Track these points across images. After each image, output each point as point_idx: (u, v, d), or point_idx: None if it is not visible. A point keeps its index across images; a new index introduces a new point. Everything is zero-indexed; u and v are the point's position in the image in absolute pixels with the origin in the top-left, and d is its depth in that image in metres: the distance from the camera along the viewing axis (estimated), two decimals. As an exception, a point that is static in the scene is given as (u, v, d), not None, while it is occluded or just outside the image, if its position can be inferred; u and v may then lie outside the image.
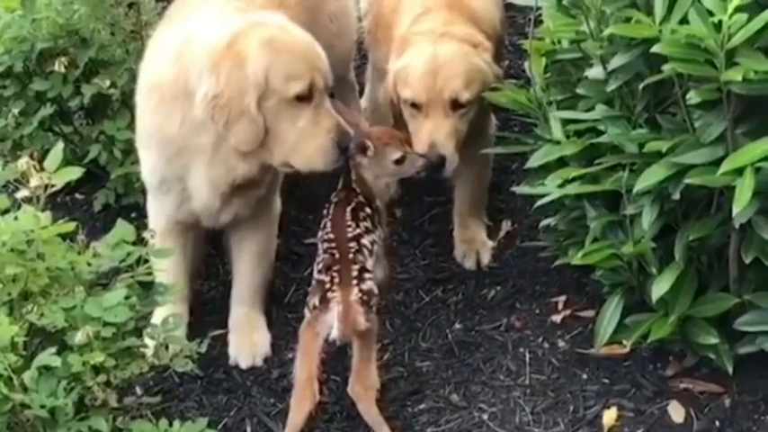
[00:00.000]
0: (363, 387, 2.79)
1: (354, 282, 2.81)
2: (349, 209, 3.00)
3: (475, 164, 3.32)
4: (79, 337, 2.46)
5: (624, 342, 2.90)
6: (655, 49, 2.38)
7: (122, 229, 2.76)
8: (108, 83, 3.45)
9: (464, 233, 3.41)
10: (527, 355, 3.08)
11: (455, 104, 3.07)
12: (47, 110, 3.50)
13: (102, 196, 3.63)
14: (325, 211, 3.05)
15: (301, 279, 3.38)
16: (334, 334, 2.75)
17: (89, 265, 2.63)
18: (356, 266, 2.84)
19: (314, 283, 2.90)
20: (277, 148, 2.86)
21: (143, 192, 3.56)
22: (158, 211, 3.17)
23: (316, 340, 2.80)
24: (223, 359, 3.18)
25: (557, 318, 3.18)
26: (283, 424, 2.94)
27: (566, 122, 2.87)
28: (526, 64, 3.10)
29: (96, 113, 3.58)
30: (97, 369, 2.51)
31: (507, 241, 3.46)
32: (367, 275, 2.84)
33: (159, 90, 2.93)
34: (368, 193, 3.04)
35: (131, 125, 3.48)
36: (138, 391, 2.99)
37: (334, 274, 2.83)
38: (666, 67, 2.39)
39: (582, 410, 2.91)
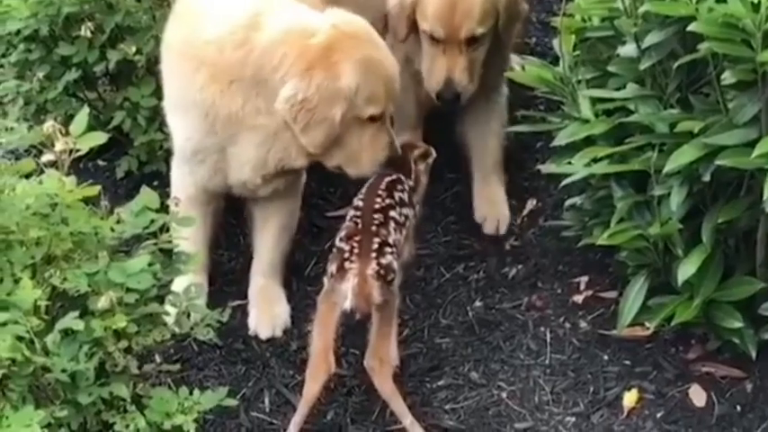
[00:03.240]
0: (379, 361, 2.77)
1: (373, 255, 2.77)
2: (387, 179, 2.98)
3: (491, 117, 3.40)
4: (102, 303, 2.45)
5: (647, 324, 2.88)
6: (691, 27, 2.35)
7: (146, 195, 2.74)
8: (134, 49, 3.43)
9: (484, 190, 3.43)
10: (548, 335, 3.07)
11: (471, 41, 3.16)
12: (71, 74, 3.49)
13: (124, 163, 3.62)
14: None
15: (321, 252, 3.37)
16: (348, 305, 2.73)
17: (112, 230, 2.62)
18: (377, 239, 2.81)
19: (335, 249, 2.88)
20: (337, 154, 2.96)
21: (166, 160, 3.56)
22: (186, 180, 3.16)
23: (333, 311, 2.78)
24: (242, 329, 3.17)
25: (578, 298, 3.16)
26: (301, 394, 2.93)
27: (594, 101, 2.84)
28: (554, 42, 3.06)
29: (121, 80, 3.57)
30: (119, 335, 2.50)
31: (530, 220, 3.43)
32: (388, 249, 2.80)
33: (215, 68, 2.90)
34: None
35: (156, 92, 3.47)
36: (158, 358, 2.97)
37: (355, 244, 2.80)
38: (702, 47, 2.36)
39: (602, 392, 2.90)
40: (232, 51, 2.86)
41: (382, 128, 2.96)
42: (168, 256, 2.75)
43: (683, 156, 2.48)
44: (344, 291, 2.75)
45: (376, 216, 2.86)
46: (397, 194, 2.94)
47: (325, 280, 2.85)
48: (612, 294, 3.13)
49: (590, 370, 2.95)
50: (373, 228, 2.84)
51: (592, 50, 2.95)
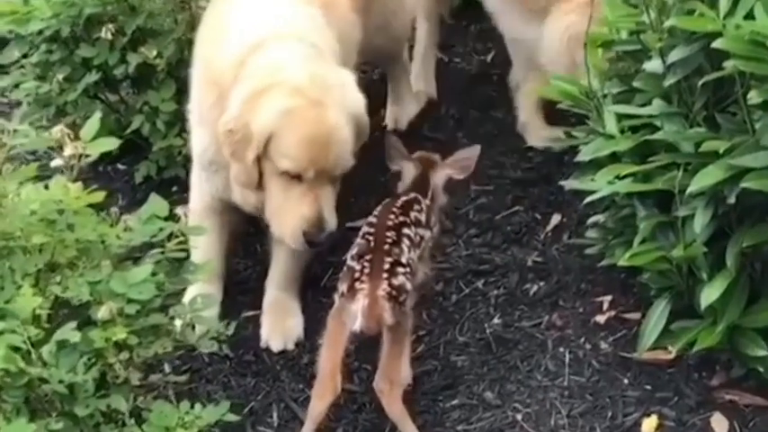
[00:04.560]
0: (389, 383, 2.70)
1: (385, 275, 2.70)
2: (403, 199, 2.91)
3: None
4: (102, 313, 2.40)
5: (669, 348, 2.77)
6: (716, 44, 2.25)
7: (155, 203, 2.70)
8: (154, 52, 3.39)
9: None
10: (567, 356, 2.97)
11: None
12: (91, 77, 3.45)
13: (143, 168, 3.57)
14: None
15: (338, 263, 3.26)
16: (357, 327, 2.66)
17: (119, 238, 2.57)
18: (389, 258, 2.73)
19: (345, 268, 2.80)
20: (267, 203, 2.88)
21: (185, 165, 3.51)
22: (203, 187, 3.13)
23: (342, 330, 2.71)
24: (254, 340, 3.11)
25: (601, 318, 3.05)
26: (310, 412, 2.87)
27: (620, 117, 2.74)
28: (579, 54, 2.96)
29: (141, 83, 3.52)
30: (120, 346, 2.45)
31: (554, 235, 3.34)
32: (400, 269, 2.73)
33: (221, 89, 2.88)
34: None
35: (176, 97, 3.43)
36: (167, 368, 2.93)
37: (366, 264, 2.73)
38: (728, 64, 2.26)
39: (620, 417, 2.79)
40: (230, 74, 2.84)
41: (309, 193, 2.82)
42: (177, 266, 2.69)
43: (708, 177, 2.38)
44: (354, 311, 2.67)
45: (389, 234, 2.78)
46: (413, 214, 2.87)
47: (336, 298, 2.77)
48: (636, 316, 3.02)
49: (609, 393, 2.85)
50: (386, 246, 2.76)
51: (619, 64, 2.85)
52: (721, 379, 2.82)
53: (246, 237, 3.39)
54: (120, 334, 2.38)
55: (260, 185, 2.86)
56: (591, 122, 2.88)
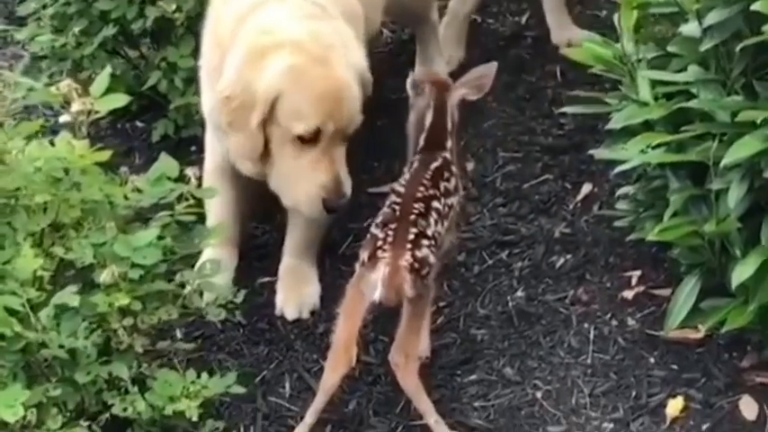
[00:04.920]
0: (405, 357, 2.58)
1: (409, 245, 2.57)
2: (434, 165, 2.77)
3: None
4: (104, 277, 2.31)
5: (699, 327, 2.64)
6: (756, 6, 2.11)
7: (165, 163, 2.60)
8: (173, 6, 3.28)
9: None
10: (591, 332, 2.85)
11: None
12: (109, 30, 3.35)
13: (160, 126, 3.47)
14: (407, 167, 2.83)
15: (359, 230, 3.17)
16: (376, 296, 2.54)
17: (126, 199, 2.47)
18: (415, 229, 2.60)
19: (368, 236, 2.68)
20: (273, 173, 2.76)
21: (203, 124, 3.40)
22: (215, 148, 3.03)
23: (361, 300, 2.59)
24: (269, 308, 3.01)
25: (628, 294, 2.93)
26: (323, 383, 2.78)
27: (655, 83, 2.60)
28: (615, 17, 2.82)
29: (160, 38, 3.41)
30: (124, 311, 2.36)
31: (584, 206, 3.20)
32: (425, 242, 2.59)
33: (224, 51, 2.78)
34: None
35: (195, 53, 3.32)
36: (178, 334, 2.84)
37: (390, 232, 2.59)
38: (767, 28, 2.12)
39: (645, 397, 2.67)
40: (230, 36, 2.73)
41: (324, 157, 2.70)
42: (188, 229, 2.60)
43: (744, 148, 2.24)
44: (374, 280, 2.55)
45: (416, 206, 2.64)
46: (442, 184, 2.73)
47: (357, 266, 2.65)
48: (666, 292, 2.88)
49: (634, 373, 2.73)
50: (411, 217, 2.62)
51: (654, 28, 2.70)
52: (752, 360, 2.69)
53: (264, 201, 3.29)
54: (122, 299, 2.28)
55: (264, 156, 2.73)
56: (624, 88, 2.74)
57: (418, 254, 2.56)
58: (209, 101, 2.90)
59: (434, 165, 2.76)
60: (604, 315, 2.89)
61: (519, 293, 2.98)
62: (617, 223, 2.95)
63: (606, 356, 2.79)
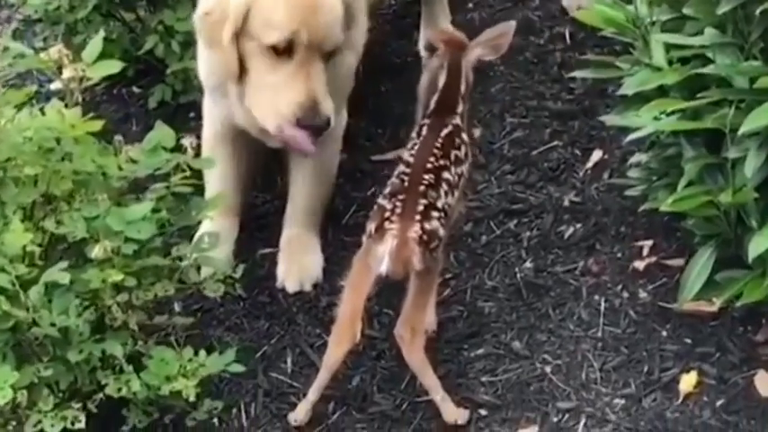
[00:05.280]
0: (411, 331, 2.50)
1: (418, 217, 2.47)
2: (444, 133, 2.66)
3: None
4: (96, 252, 2.22)
5: (714, 300, 2.56)
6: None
7: (161, 132, 2.51)
8: (171, -32, 3.18)
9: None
10: (602, 304, 2.76)
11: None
12: (102, -9, 3.25)
13: (158, 92, 3.37)
14: (415, 132, 2.71)
15: (363, 199, 3.10)
16: (383, 269, 2.44)
17: (120, 170, 2.38)
18: (424, 201, 2.50)
19: (376, 207, 2.57)
20: (248, 91, 2.62)
21: (202, 90, 3.30)
22: (212, 114, 2.93)
23: (367, 274, 2.49)
24: (270, 280, 2.93)
25: (640, 264, 2.84)
26: (326, 358, 2.70)
27: (669, 47, 2.50)
28: (628, -24, 2.72)
29: (157, 1, 3.31)
30: (118, 287, 2.28)
31: (594, 173, 3.10)
32: (435, 214, 2.49)
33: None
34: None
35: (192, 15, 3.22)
36: (176, 308, 2.76)
37: (398, 203, 2.49)
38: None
39: (657, 372, 2.59)
40: None
41: (300, 72, 2.55)
42: (184, 200, 2.51)
43: (763, 116, 2.14)
44: (381, 253, 2.45)
45: (426, 177, 2.53)
46: (453, 152, 2.63)
47: (363, 238, 2.55)
48: (679, 262, 2.79)
49: (646, 347, 2.65)
50: (421, 188, 2.52)
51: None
52: (767, 334, 2.60)
53: (265, 169, 3.20)
54: (115, 275, 2.20)
55: (242, 76, 2.60)
56: (637, 52, 2.63)
57: (427, 226, 2.47)
58: (205, 62, 2.80)
59: (445, 132, 2.65)
60: (615, 287, 2.80)
61: (527, 264, 2.89)
62: (628, 192, 2.85)
63: (617, 330, 2.70)
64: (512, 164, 3.17)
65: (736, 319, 2.63)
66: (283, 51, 2.54)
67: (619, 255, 2.88)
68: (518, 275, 2.86)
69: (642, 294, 2.77)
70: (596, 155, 3.15)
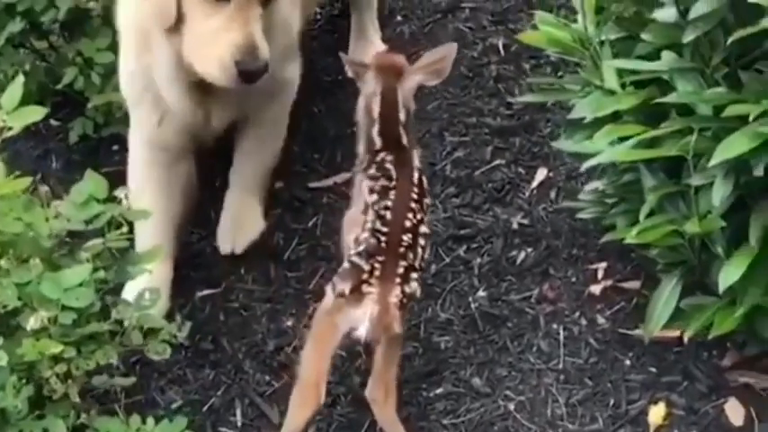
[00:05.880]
0: (384, 391, 2.38)
1: (398, 280, 2.33)
2: (415, 178, 2.50)
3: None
4: (31, 324, 2.05)
5: (682, 332, 2.47)
6: (754, -1, 1.91)
7: (92, 182, 2.34)
8: (88, -5, 2.99)
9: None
10: (561, 333, 2.67)
11: None
12: (15, 25, 3.04)
13: (78, 126, 3.17)
14: (366, 169, 2.53)
15: (304, 231, 2.97)
16: (362, 334, 2.29)
17: (48, 221, 2.21)
18: (404, 263, 2.35)
19: (348, 264, 2.38)
20: (186, 41, 2.50)
21: (126, 121, 3.13)
22: (140, 137, 2.80)
23: (334, 333, 2.33)
24: (212, 324, 2.78)
25: (596, 289, 2.75)
26: (279, 405, 2.56)
27: (622, 70, 2.40)
28: (572, -5, 2.62)
29: (74, 30, 3.11)
30: (56, 358, 2.11)
31: (540, 193, 3.01)
32: (413, 275, 2.36)
33: None
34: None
35: (114, 46, 3.04)
36: (114, 361, 2.58)
37: (377, 266, 2.33)
38: (766, 22, 1.92)
39: (624, 405, 2.51)
40: None
41: (237, 17, 2.44)
42: (120, 254, 2.35)
43: (733, 147, 2.05)
44: (359, 317, 2.30)
45: (406, 237, 2.38)
46: (424, 201, 2.50)
47: (328, 292, 2.38)
48: (635, 285, 2.73)
49: (610, 378, 2.57)
50: (401, 249, 2.36)
51: (615, 7, 2.50)
52: (733, 358, 2.54)
53: (199, 203, 3.04)
54: (53, 347, 2.03)
55: (178, 25, 2.48)
56: (585, 73, 2.53)
57: (407, 289, 2.34)
58: (126, 66, 2.70)
59: (415, 177, 2.51)
60: (573, 314, 2.72)
61: (481, 293, 2.79)
62: (581, 215, 2.76)
63: (579, 360, 2.62)
64: (456, 186, 3.06)
65: (700, 344, 2.56)
66: None
67: (573, 279, 2.79)
68: (472, 306, 2.76)
69: (601, 320, 2.69)
70: (541, 173, 3.06)
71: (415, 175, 2.51)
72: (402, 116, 2.60)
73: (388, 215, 2.40)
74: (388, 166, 2.50)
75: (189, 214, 2.89)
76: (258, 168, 2.90)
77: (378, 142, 2.55)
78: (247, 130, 2.86)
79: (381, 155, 2.52)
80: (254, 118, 2.85)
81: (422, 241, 2.41)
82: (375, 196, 2.45)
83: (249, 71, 2.46)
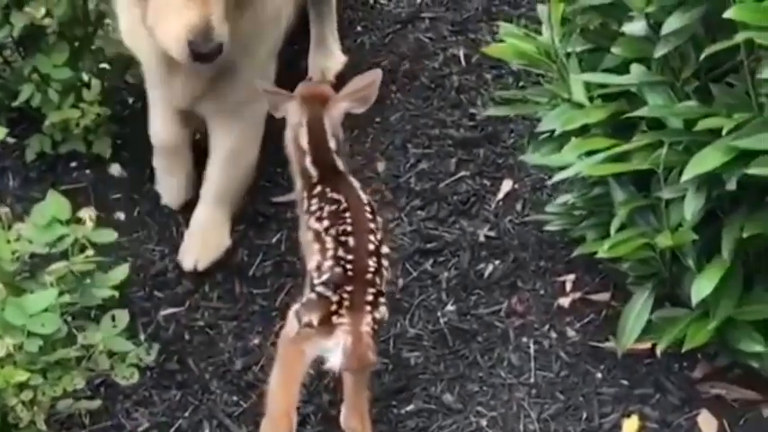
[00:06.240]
0: (360, 419, 2.36)
1: (368, 308, 2.29)
2: (367, 204, 2.46)
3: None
4: (-3, 352, 2.00)
5: (654, 343, 2.47)
6: (728, 15, 1.90)
7: (54, 203, 2.28)
8: (43, 11, 2.91)
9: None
10: (531, 347, 2.66)
11: None
12: (-31, 42, 2.99)
13: (35, 143, 3.10)
14: (314, 200, 2.49)
15: (269, 247, 2.92)
16: (335, 365, 2.25)
17: (13, 253, 2.16)
18: (372, 290, 2.31)
19: (313, 295, 2.31)
20: (150, 8, 2.52)
21: (85, 138, 3.11)
22: (161, 117, 2.90)
23: (302, 361, 2.29)
24: (178, 343, 2.72)
25: (565, 301, 2.74)
26: (247, 426, 2.53)
27: (590, 83, 2.39)
28: (539, 8, 2.60)
29: (29, 47, 3.05)
30: (22, 384, 2.06)
31: (506, 205, 2.99)
32: (381, 300, 2.32)
33: None
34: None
35: (70, 62, 2.99)
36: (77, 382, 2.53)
37: (345, 296, 2.29)
38: (740, 37, 1.92)
39: (597, 418, 2.50)
40: None
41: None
42: (84, 276, 2.30)
43: (706, 161, 2.05)
44: (331, 348, 2.26)
45: (371, 263, 2.33)
46: (378, 220, 2.46)
47: (293, 320, 2.32)
48: (604, 297, 2.72)
49: (582, 391, 2.56)
50: (368, 276, 2.32)
51: (580, 19, 2.49)
52: (705, 370, 2.54)
53: (162, 219, 3.00)
54: (18, 376, 1.98)
55: None
56: (552, 86, 2.53)
57: (377, 315, 2.30)
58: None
59: (363, 198, 2.48)
60: (542, 327, 2.70)
61: (449, 308, 2.77)
62: (549, 227, 2.75)
63: (550, 374, 2.60)
64: (420, 198, 3.04)
65: (671, 355, 2.55)
66: None
67: (542, 292, 2.78)
68: (441, 321, 2.74)
69: (571, 333, 2.68)
70: (506, 184, 3.05)
71: (362, 195, 2.48)
72: (333, 144, 2.57)
73: (350, 241, 2.35)
74: (330, 194, 2.46)
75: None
76: (230, 183, 2.88)
77: (314, 173, 2.52)
78: (217, 148, 2.85)
79: (318, 188, 2.49)
80: (225, 128, 2.84)
81: (385, 263, 2.38)
82: (326, 222, 2.41)
83: (201, 53, 2.46)
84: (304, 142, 2.56)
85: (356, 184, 2.54)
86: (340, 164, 2.56)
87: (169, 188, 3.00)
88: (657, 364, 2.56)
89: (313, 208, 2.46)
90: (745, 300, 2.31)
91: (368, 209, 2.45)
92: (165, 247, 2.95)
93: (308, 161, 2.54)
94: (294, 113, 2.59)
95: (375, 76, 2.59)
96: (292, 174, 2.64)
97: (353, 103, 2.58)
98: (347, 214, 2.40)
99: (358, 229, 2.38)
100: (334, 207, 2.42)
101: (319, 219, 2.42)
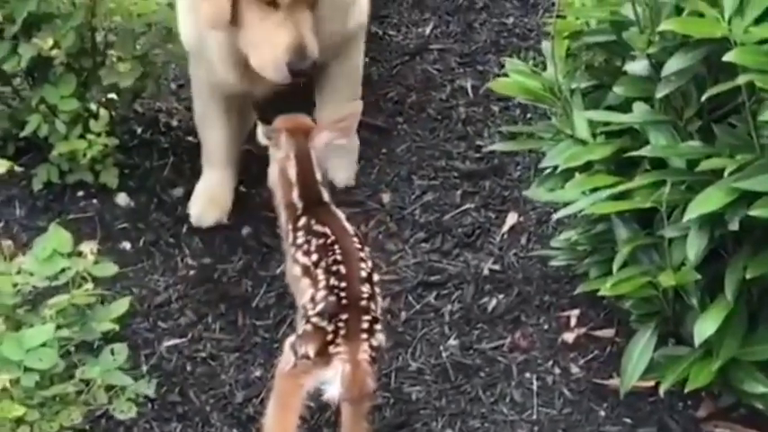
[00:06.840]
0: None
1: (364, 336, 2.28)
2: (349, 227, 2.48)
3: None
4: (-6, 387, 2.00)
5: (657, 381, 2.44)
6: (728, 57, 1.89)
7: (55, 236, 2.28)
8: (50, 42, 2.93)
9: None
10: (534, 383, 2.64)
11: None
12: (-24, 73, 3.00)
13: (42, 173, 3.11)
14: (300, 234, 2.50)
15: (272, 278, 2.92)
16: (335, 395, 2.23)
17: (14, 286, 2.16)
18: (367, 317, 2.31)
19: (309, 327, 2.31)
20: (241, 38, 2.73)
21: (92, 168, 3.11)
22: (199, 78, 3.01)
23: (299, 394, 2.27)
24: (179, 375, 2.72)
25: (569, 337, 2.73)
26: (248, 461, 2.52)
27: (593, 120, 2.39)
28: (543, 44, 2.60)
29: (37, 77, 3.06)
30: (18, 420, 2.06)
31: (511, 238, 2.99)
32: (377, 327, 2.31)
33: None
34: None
35: (78, 92, 3.00)
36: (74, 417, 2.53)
37: (341, 324, 2.28)
38: (741, 79, 1.91)
39: (599, 457, 2.49)
40: None
41: (287, 21, 2.66)
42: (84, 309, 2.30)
43: (710, 202, 2.03)
44: (329, 378, 2.25)
45: (364, 289, 2.33)
46: (366, 248, 2.46)
47: (288, 353, 2.32)
48: (608, 333, 2.70)
49: (585, 429, 2.53)
50: (363, 303, 2.32)
51: (584, 56, 2.49)
52: (708, 409, 2.52)
53: (167, 249, 3.00)
54: (15, 411, 1.97)
55: (233, 23, 2.69)
56: (556, 121, 2.52)
57: (374, 342, 2.29)
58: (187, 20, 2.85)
59: (349, 227, 2.48)
60: (546, 362, 2.68)
61: (452, 341, 2.75)
62: (553, 262, 2.74)
63: (553, 411, 2.58)
64: (425, 231, 3.03)
65: (674, 394, 2.53)
66: (269, 3, 2.65)
67: (545, 327, 2.76)
68: (443, 355, 2.72)
69: (574, 370, 2.66)
70: (511, 217, 3.04)
71: (347, 225, 2.49)
72: (319, 176, 2.59)
73: (342, 269, 2.35)
74: (316, 226, 2.47)
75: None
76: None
77: (299, 205, 2.53)
78: (324, 83, 3.02)
79: (303, 219, 2.50)
80: (325, 72, 3.00)
81: (377, 289, 2.38)
82: (315, 256, 2.41)
83: (299, 70, 2.67)
84: (292, 174, 2.57)
85: (340, 214, 2.55)
86: (325, 195, 2.58)
87: (209, 202, 3.05)
88: (661, 403, 2.54)
89: (299, 241, 2.46)
90: (749, 340, 2.29)
91: (355, 239, 2.44)
92: (168, 277, 2.95)
93: (294, 194, 2.56)
94: (281, 147, 2.60)
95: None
96: (276, 207, 2.65)
97: (335, 133, 2.62)
98: (335, 246, 2.40)
99: (348, 258, 2.38)
100: (321, 240, 2.43)
101: (307, 252, 2.42)
